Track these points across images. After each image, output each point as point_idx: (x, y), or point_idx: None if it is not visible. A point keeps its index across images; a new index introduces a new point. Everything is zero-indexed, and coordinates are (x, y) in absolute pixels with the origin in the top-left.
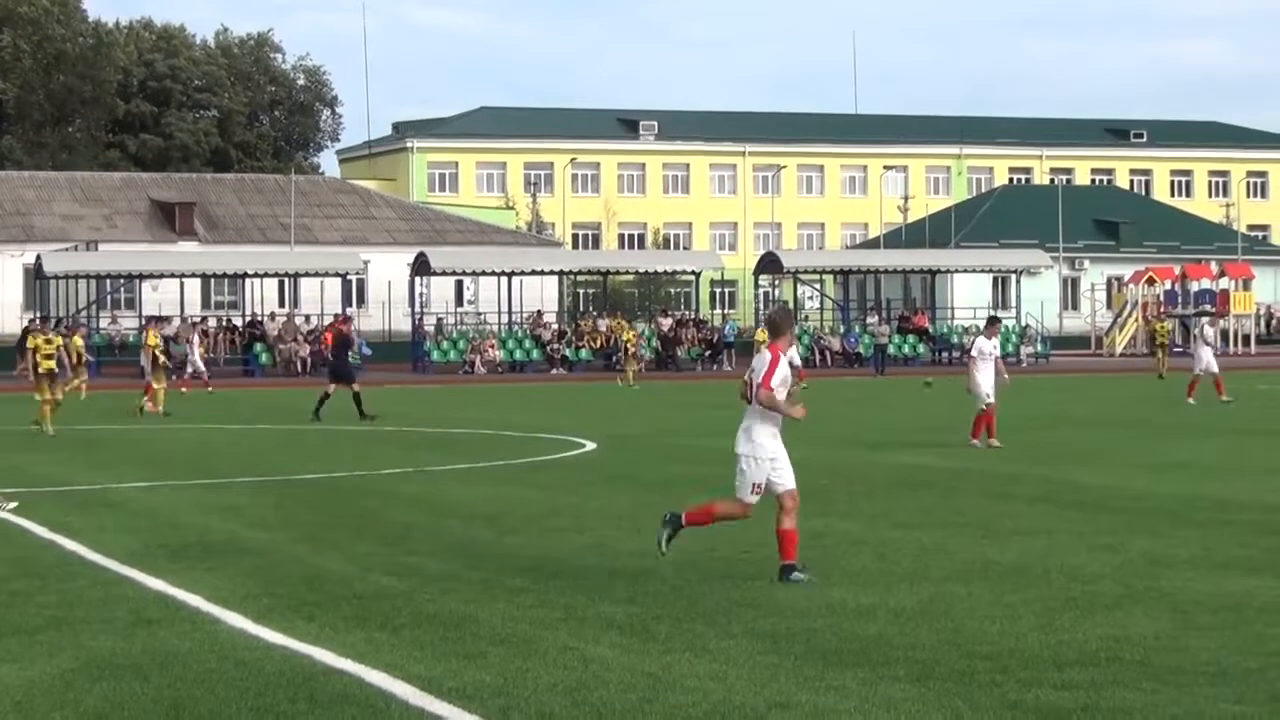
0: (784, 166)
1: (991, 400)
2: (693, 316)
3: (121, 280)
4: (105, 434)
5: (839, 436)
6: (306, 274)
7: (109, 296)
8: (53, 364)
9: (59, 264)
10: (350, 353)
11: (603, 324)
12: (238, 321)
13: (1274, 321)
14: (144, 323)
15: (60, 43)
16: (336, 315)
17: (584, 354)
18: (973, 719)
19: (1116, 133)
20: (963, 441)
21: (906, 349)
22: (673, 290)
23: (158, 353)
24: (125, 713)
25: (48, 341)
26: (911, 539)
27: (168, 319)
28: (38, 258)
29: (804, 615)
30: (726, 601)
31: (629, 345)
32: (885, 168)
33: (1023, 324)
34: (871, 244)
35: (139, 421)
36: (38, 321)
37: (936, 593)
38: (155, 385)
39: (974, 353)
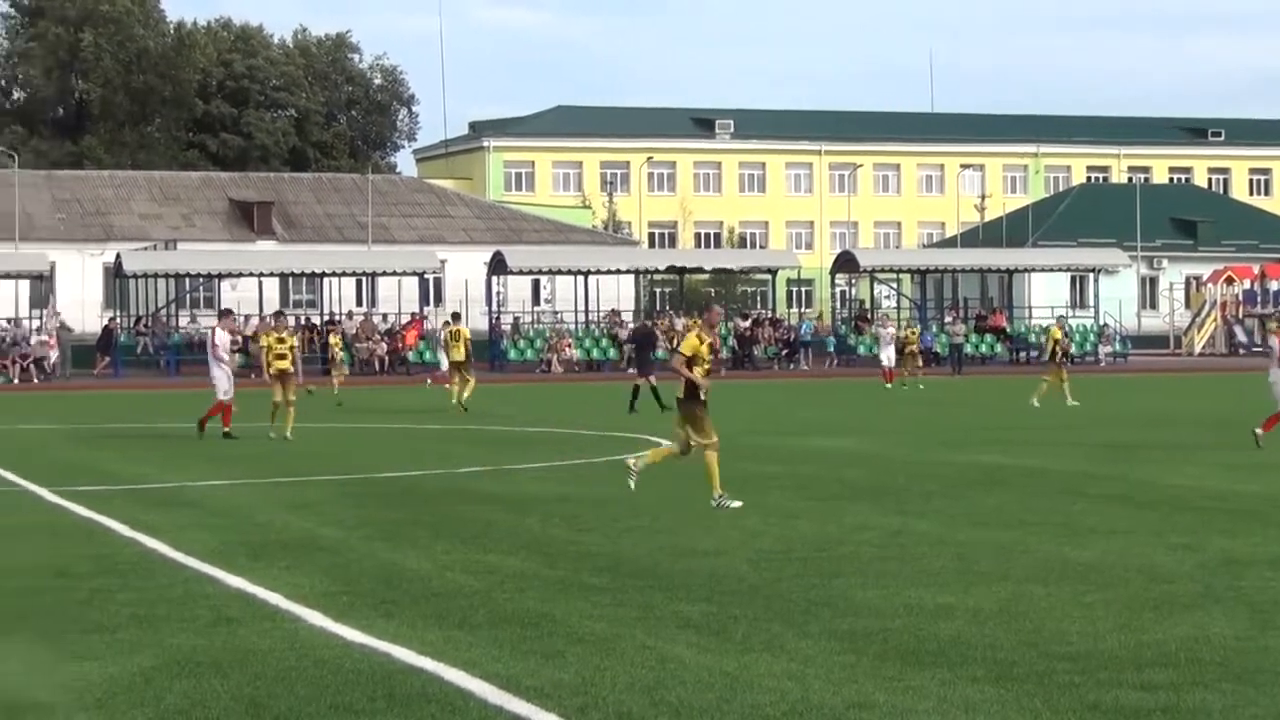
0: (860, 165)
1: None
2: (769, 315)
3: (200, 279)
4: (181, 431)
5: (916, 435)
6: (383, 273)
7: (188, 295)
8: (286, 364)
9: (138, 263)
10: (654, 349)
11: (679, 323)
12: (315, 320)
13: None
14: (450, 317)
15: (141, 42)
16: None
17: (660, 354)
18: None
19: (1194, 131)
20: (1040, 440)
21: (984, 348)
22: (749, 289)
23: (467, 347)
24: (205, 710)
25: (280, 340)
26: (989, 538)
27: (455, 317)
28: (117, 256)
29: (882, 615)
30: (804, 601)
31: (909, 344)
32: (962, 166)
33: (1100, 323)
34: (948, 243)
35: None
36: (271, 319)
37: (1015, 593)
38: (469, 378)
39: None
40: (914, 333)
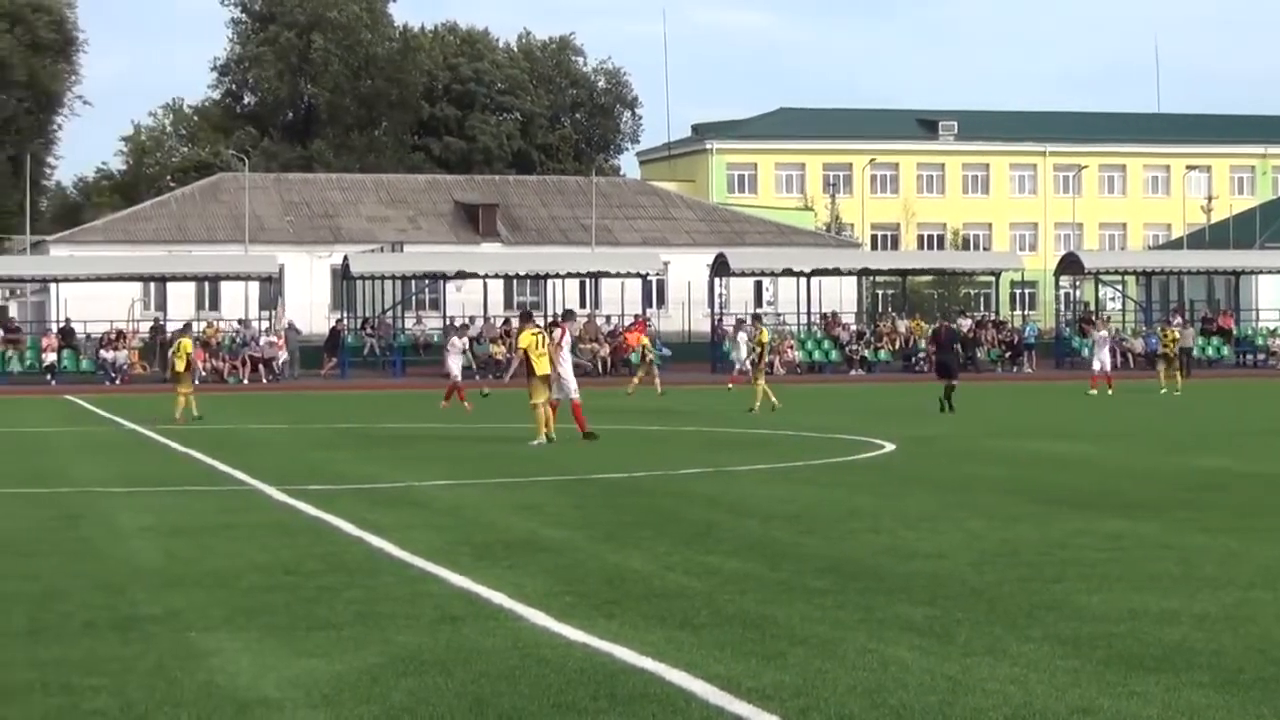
0: (1085, 166)
1: None
2: (993, 317)
3: (426, 281)
4: (407, 432)
5: (1140, 439)
6: (607, 275)
7: (413, 297)
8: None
9: (365, 265)
10: (955, 348)
11: (902, 325)
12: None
13: None
14: (750, 319)
15: (369, 47)
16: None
17: (883, 355)
18: None
19: None
20: (1267, 445)
21: (1210, 351)
22: (972, 291)
23: (766, 353)
24: (430, 708)
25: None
26: (1214, 543)
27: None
28: (345, 258)
29: (1105, 620)
30: (1027, 604)
31: (1169, 346)
32: (1188, 167)
33: None
34: (1174, 245)
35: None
36: (519, 319)
37: (1240, 598)
38: (757, 383)
39: None
40: (1170, 335)
